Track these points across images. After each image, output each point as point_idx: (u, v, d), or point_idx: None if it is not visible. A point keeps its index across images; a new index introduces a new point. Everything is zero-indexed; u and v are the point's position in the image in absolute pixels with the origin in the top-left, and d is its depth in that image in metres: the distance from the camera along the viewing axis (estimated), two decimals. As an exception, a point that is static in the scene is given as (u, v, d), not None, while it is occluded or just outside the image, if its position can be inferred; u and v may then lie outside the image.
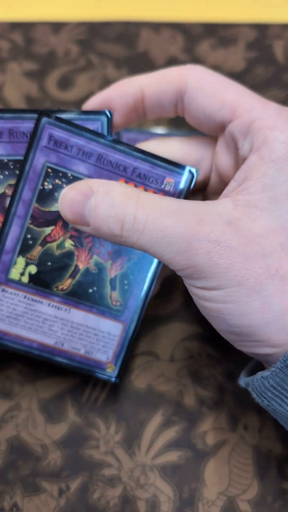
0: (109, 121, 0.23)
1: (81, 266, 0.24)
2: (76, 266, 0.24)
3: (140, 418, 0.28)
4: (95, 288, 0.24)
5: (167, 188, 0.23)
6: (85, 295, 0.24)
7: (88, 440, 0.27)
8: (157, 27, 0.42)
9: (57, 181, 0.23)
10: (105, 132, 0.23)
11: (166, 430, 0.27)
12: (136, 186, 0.23)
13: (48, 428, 0.27)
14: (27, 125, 0.22)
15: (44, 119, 0.22)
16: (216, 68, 0.40)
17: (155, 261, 0.25)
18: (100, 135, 0.22)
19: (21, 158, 0.23)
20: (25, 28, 0.42)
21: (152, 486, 0.26)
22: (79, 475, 0.26)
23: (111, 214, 0.20)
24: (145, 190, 0.23)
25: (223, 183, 0.24)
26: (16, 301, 0.24)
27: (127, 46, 0.41)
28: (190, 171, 0.23)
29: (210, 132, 0.23)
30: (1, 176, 0.23)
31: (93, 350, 0.25)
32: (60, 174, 0.23)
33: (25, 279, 0.24)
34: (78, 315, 0.24)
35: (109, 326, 0.25)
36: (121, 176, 0.23)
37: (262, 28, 0.42)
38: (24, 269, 0.24)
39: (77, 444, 0.27)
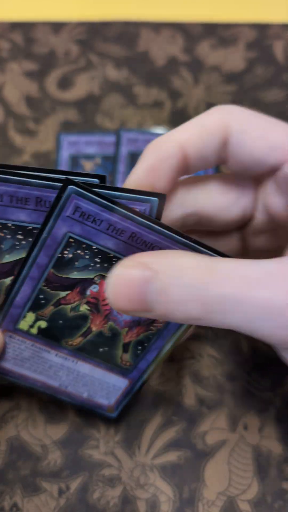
0: (161, 203, 0.20)
1: (95, 329, 0.23)
2: (89, 328, 0.23)
3: (140, 418, 0.28)
4: (106, 348, 0.23)
5: None
6: (94, 352, 0.23)
7: (88, 440, 0.27)
8: (157, 27, 0.42)
9: (79, 251, 0.20)
10: (153, 215, 0.20)
11: (166, 430, 0.27)
12: None
13: (48, 428, 0.27)
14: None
15: (70, 188, 0.19)
16: (216, 68, 0.40)
17: (178, 332, 0.22)
18: (136, 212, 0.19)
19: None
20: (25, 28, 0.42)
21: (152, 486, 0.26)
22: (79, 475, 0.26)
23: (189, 298, 0.16)
24: None
25: (274, 223, 0.23)
26: (23, 347, 0.23)
27: (127, 46, 0.41)
28: (157, 195, 0.21)
29: (258, 175, 0.22)
30: (24, 242, 0.21)
31: (95, 395, 0.25)
32: (84, 246, 0.20)
33: (34, 331, 0.23)
34: (85, 367, 0.24)
35: (115, 380, 0.24)
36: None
37: (262, 28, 0.42)
38: (34, 323, 0.23)
39: (77, 444, 0.27)
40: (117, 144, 0.36)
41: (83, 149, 0.36)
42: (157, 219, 0.20)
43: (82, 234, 0.20)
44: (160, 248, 0.20)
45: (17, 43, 0.41)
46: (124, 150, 0.36)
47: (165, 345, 0.23)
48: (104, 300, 0.22)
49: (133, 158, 0.36)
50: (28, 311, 0.22)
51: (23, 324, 0.23)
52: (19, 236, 0.21)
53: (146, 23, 0.42)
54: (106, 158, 0.36)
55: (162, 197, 0.20)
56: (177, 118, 0.38)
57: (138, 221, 0.19)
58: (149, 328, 0.23)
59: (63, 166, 0.35)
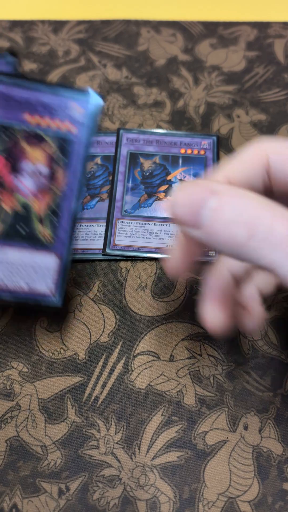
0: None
1: (8, 208, 0.24)
2: (3, 209, 0.24)
3: (140, 418, 0.27)
4: (24, 227, 0.25)
5: (76, 116, 0.23)
6: (16, 234, 0.25)
7: (88, 441, 0.27)
8: (157, 26, 0.42)
9: None
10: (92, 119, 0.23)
11: (166, 430, 0.27)
12: (42, 117, 0.23)
13: (48, 429, 0.27)
14: None
15: None
16: (216, 67, 0.40)
17: (78, 187, 0.25)
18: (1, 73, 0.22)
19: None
20: (25, 27, 0.42)
21: (152, 487, 0.26)
22: (79, 475, 0.26)
23: (239, 220, 0.17)
24: (52, 119, 0.23)
25: None
26: None
27: (127, 45, 0.41)
28: (94, 93, 0.23)
29: None
30: None
31: (33, 282, 0.25)
32: None
33: None
34: (13, 253, 0.25)
35: (44, 259, 0.25)
36: (26, 110, 0.23)
37: (262, 27, 0.42)
38: None
39: (77, 445, 0.27)
40: (117, 144, 0.36)
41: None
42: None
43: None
44: (33, 104, 0.23)
45: (17, 42, 0.41)
46: (124, 150, 0.36)
47: (73, 205, 0.25)
48: (4, 175, 0.23)
49: (133, 158, 0.36)
50: None
51: None
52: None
53: (146, 23, 0.42)
54: (106, 158, 0.35)
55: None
56: (177, 118, 0.38)
57: (3, 80, 0.22)
58: (53, 192, 0.24)
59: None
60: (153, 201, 0.34)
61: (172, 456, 0.27)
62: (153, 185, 0.35)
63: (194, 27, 0.42)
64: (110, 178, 0.35)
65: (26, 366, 0.29)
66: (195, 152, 0.36)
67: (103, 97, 0.22)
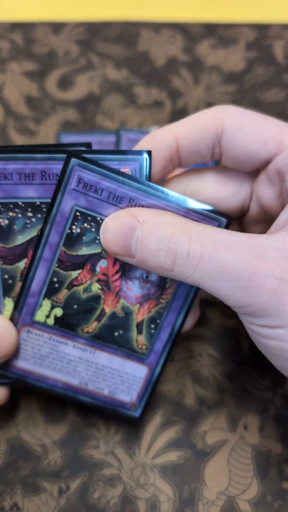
0: (148, 162, 0.22)
1: (108, 310, 0.24)
2: (103, 309, 0.23)
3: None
4: (120, 332, 0.24)
5: None
6: (110, 338, 0.24)
7: (88, 440, 0.27)
8: (157, 27, 0.42)
9: (85, 225, 0.22)
10: (144, 174, 0.22)
11: (166, 430, 0.27)
12: None
13: (48, 428, 0.27)
14: (60, 167, 0.21)
15: (73, 161, 0.21)
16: (216, 68, 0.40)
17: (186, 304, 0.24)
18: (133, 178, 0.21)
19: None
20: (25, 28, 0.42)
21: (152, 486, 0.26)
22: (79, 475, 0.26)
23: (162, 248, 0.19)
24: None
25: (266, 214, 0.24)
26: (41, 342, 0.24)
27: (127, 46, 0.41)
28: (144, 153, 0.22)
29: (251, 169, 0.23)
30: (34, 219, 0.22)
31: (116, 390, 0.25)
32: (89, 218, 0.22)
33: (50, 321, 0.23)
34: (103, 357, 0.24)
35: (134, 369, 0.24)
36: None
37: (262, 28, 0.42)
38: (50, 311, 0.23)
39: (77, 444, 0.27)
40: (117, 144, 0.36)
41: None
42: (148, 176, 0.22)
43: (87, 206, 0.21)
44: None
45: (17, 43, 0.41)
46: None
47: (177, 319, 0.24)
48: (113, 275, 0.23)
49: None
50: (43, 299, 0.23)
51: (40, 315, 0.23)
52: (29, 214, 0.22)
53: (146, 23, 0.42)
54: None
55: (149, 153, 0.22)
56: (177, 118, 0.38)
57: (135, 186, 0.21)
58: (159, 302, 0.23)
59: None
60: None
61: (172, 456, 0.27)
62: None
63: (194, 28, 0.42)
64: None
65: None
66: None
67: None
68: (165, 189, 0.21)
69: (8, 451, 0.27)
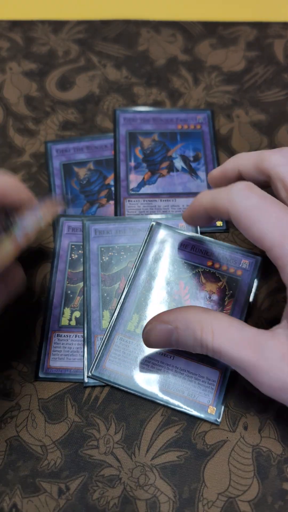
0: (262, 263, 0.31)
1: None
2: None
3: (140, 418, 0.27)
4: None
5: (243, 266, 0.31)
6: None
7: (88, 440, 0.27)
8: (157, 26, 0.42)
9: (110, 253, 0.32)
10: (257, 271, 0.31)
11: (166, 430, 0.27)
12: (220, 266, 0.31)
13: (48, 428, 0.27)
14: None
15: (156, 225, 0.32)
16: (216, 67, 0.40)
17: (242, 318, 0.30)
18: (193, 235, 0.31)
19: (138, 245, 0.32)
20: (25, 27, 0.42)
21: (152, 486, 0.26)
22: (79, 475, 0.26)
23: (196, 345, 0.24)
24: (227, 268, 0.31)
25: None
26: (131, 348, 0.29)
27: (127, 46, 0.41)
28: (257, 256, 0.31)
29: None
30: (125, 256, 0.31)
31: (195, 393, 0.28)
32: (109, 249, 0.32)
33: (138, 330, 0.29)
34: (181, 362, 0.28)
35: (208, 372, 0.28)
36: (209, 259, 0.31)
37: (262, 27, 0.42)
38: (138, 323, 0.30)
39: (77, 444, 0.27)
40: (115, 124, 0.36)
41: (73, 156, 0.36)
42: (258, 278, 0.31)
43: (185, 257, 0.31)
44: (212, 253, 0.31)
45: (17, 42, 0.41)
46: (123, 130, 0.36)
47: None
48: (185, 296, 0.30)
49: (132, 137, 0.36)
50: (133, 313, 0.30)
51: (130, 325, 0.29)
52: (122, 252, 0.32)
53: (146, 23, 0.42)
54: (98, 163, 0.35)
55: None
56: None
57: (196, 237, 0.32)
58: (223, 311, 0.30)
59: (56, 175, 0.35)
60: (157, 178, 0.35)
61: (171, 456, 0.27)
62: (155, 162, 0.35)
63: (193, 27, 0.42)
64: (106, 182, 0.35)
65: (26, 366, 0.29)
66: (192, 127, 0.37)
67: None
68: (216, 241, 0.32)
69: (7, 451, 0.27)
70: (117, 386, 0.28)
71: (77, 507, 0.25)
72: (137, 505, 0.25)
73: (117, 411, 0.28)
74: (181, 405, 0.27)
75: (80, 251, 0.32)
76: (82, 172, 0.35)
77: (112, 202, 0.34)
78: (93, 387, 0.28)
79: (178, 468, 0.26)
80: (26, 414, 0.28)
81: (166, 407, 0.27)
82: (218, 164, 0.36)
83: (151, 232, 0.31)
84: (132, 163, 0.35)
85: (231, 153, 0.36)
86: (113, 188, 0.34)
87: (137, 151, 0.36)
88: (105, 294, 0.30)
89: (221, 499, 0.26)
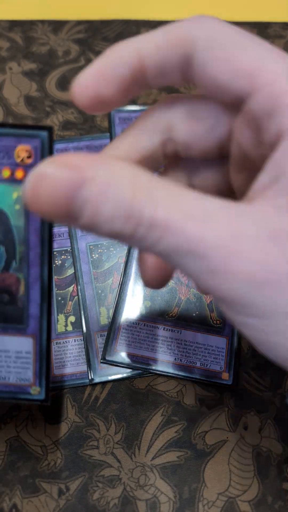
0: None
1: (183, 298, 0.30)
2: (180, 298, 0.30)
3: (140, 418, 0.27)
4: (197, 312, 0.30)
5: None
6: (190, 318, 0.30)
7: (88, 441, 0.27)
8: (156, 26, 0.42)
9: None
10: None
11: (166, 430, 0.27)
12: None
13: (47, 429, 0.27)
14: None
15: None
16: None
17: None
18: None
19: None
20: (25, 27, 0.42)
21: (152, 486, 0.26)
22: (79, 475, 0.26)
23: (119, 214, 0.15)
24: None
25: (248, 160, 0.20)
26: (138, 329, 0.29)
27: (126, 46, 0.41)
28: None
29: (227, 104, 0.18)
30: (115, 251, 0.32)
31: (206, 362, 0.28)
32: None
33: (143, 311, 0.30)
34: (188, 334, 0.29)
35: (216, 341, 0.29)
36: None
37: (262, 28, 0.42)
38: (143, 304, 0.30)
39: (77, 445, 0.27)
40: (110, 124, 0.36)
41: None
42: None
43: None
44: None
45: (17, 42, 0.41)
46: (119, 129, 0.36)
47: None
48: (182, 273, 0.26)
49: None
50: (133, 297, 0.29)
51: (135, 309, 0.30)
52: (111, 248, 0.31)
53: (146, 22, 0.42)
54: None
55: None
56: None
57: None
58: None
59: None
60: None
61: (172, 456, 0.27)
62: None
63: (193, 27, 0.42)
64: None
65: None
66: None
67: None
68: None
69: (7, 451, 0.27)
70: (131, 367, 0.28)
71: (77, 507, 0.25)
72: (137, 505, 0.25)
73: (117, 411, 0.28)
74: (195, 376, 0.28)
75: (63, 256, 0.32)
76: None
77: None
78: (94, 386, 0.28)
79: (178, 468, 0.26)
80: (26, 414, 0.27)
81: (182, 379, 0.28)
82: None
83: None
84: None
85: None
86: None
87: None
88: (100, 291, 0.31)
89: (221, 499, 0.26)
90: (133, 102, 0.38)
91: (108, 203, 0.15)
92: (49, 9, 0.43)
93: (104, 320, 0.30)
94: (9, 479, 0.26)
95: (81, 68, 0.40)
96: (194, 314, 0.30)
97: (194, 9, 0.43)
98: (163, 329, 0.29)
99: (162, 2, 0.44)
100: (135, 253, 0.31)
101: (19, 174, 0.18)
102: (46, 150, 0.19)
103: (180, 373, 0.28)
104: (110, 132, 0.36)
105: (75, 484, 0.26)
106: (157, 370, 0.28)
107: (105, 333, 0.29)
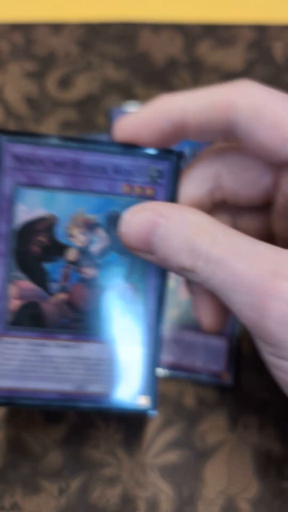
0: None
1: (182, 298, 0.30)
2: (178, 297, 0.30)
3: (140, 417, 0.28)
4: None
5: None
6: (189, 318, 0.29)
7: (88, 440, 0.27)
8: (156, 27, 0.42)
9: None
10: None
11: (166, 430, 0.27)
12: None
13: (48, 427, 0.27)
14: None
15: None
16: (216, 69, 0.40)
17: None
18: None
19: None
20: (25, 29, 0.42)
21: (152, 485, 0.26)
22: (79, 474, 0.26)
23: (184, 248, 0.17)
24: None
25: None
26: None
27: (127, 47, 0.41)
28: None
29: (273, 165, 0.20)
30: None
31: (206, 362, 0.27)
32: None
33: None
34: (188, 334, 0.28)
35: (215, 341, 0.28)
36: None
37: (261, 29, 0.42)
38: None
39: (77, 443, 0.27)
40: (110, 124, 0.36)
41: None
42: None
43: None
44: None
45: (18, 44, 0.41)
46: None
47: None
48: None
49: None
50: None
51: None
52: None
53: (146, 24, 0.42)
54: None
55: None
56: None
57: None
58: None
59: None
60: None
61: (171, 455, 0.27)
62: None
63: (193, 28, 0.42)
64: None
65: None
66: None
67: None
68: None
69: (8, 450, 0.27)
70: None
71: (78, 506, 0.26)
72: (137, 503, 0.26)
73: (117, 411, 0.28)
74: (194, 376, 0.28)
75: None
76: None
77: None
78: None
79: (178, 468, 0.26)
80: (26, 413, 0.28)
81: (180, 380, 0.28)
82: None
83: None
84: None
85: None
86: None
87: None
88: None
89: (220, 498, 0.26)
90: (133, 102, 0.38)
91: (176, 238, 0.18)
92: (50, 12, 0.44)
93: None
94: (10, 478, 0.26)
95: (81, 69, 0.40)
96: (194, 315, 0.30)
97: (194, 9, 0.44)
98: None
99: (162, 3, 0.44)
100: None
101: (148, 191, 0.21)
102: (175, 172, 0.21)
103: (177, 372, 0.28)
104: (110, 132, 0.37)
105: (76, 482, 0.26)
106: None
107: None
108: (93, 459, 0.27)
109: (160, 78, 0.40)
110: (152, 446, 0.27)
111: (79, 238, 0.21)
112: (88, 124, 0.37)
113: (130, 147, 0.20)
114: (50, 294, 0.21)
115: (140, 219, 0.18)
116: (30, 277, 0.21)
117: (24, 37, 0.42)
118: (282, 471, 0.26)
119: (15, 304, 0.21)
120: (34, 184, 0.20)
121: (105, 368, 0.22)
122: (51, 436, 0.27)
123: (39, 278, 0.21)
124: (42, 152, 0.20)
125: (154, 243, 0.18)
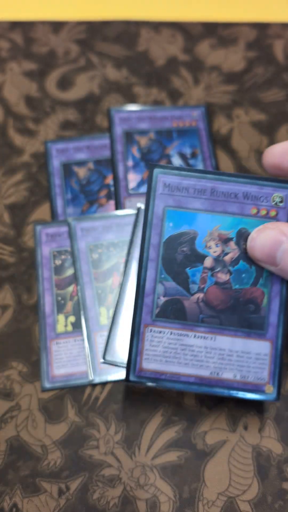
0: None
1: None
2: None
3: (140, 418, 0.28)
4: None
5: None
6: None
7: (88, 441, 0.27)
8: (157, 26, 0.42)
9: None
10: None
11: (166, 430, 0.27)
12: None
13: (48, 429, 0.27)
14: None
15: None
16: (216, 68, 0.40)
17: None
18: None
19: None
20: (25, 27, 0.42)
21: (152, 486, 0.26)
22: (79, 475, 0.26)
23: None
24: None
25: None
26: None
27: (127, 46, 0.41)
28: None
29: None
30: (115, 251, 0.31)
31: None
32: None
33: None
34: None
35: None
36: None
37: (262, 28, 0.42)
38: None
39: (77, 445, 0.27)
40: (110, 124, 0.36)
41: (73, 156, 0.36)
42: None
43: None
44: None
45: (17, 43, 0.41)
46: (119, 129, 0.36)
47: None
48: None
49: (128, 136, 0.36)
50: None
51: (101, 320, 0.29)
52: (111, 248, 0.31)
53: (146, 23, 0.42)
54: (98, 162, 0.35)
55: None
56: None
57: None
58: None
59: (56, 175, 0.35)
60: None
61: (172, 456, 0.27)
62: (153, 160, 0.35)
63: (193, 27, 0.42)
64: (105, 182, 0.35)
65: (26, 366, 0.29)
66: (187, 123, 0.37)
67: None
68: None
69: (7, 451, 0.27)
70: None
71: (77, 507, 0.25)
72: (137, 505, 0.25)
73: (117, 411, 0.28)
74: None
75: (63, 256, 0.32)
76: (82, 172, 0.35)
77: (112, 201, 0.34)
78: (94, 386, 0.28)
79: (178, 468, 0.26)
80: (26, 414, 0.28)
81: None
82: (216, 161, 0.36)
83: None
84: (130, 163, 0.35)
85: (231, 153, 0.36)
86: (113, 188, 0.34)
87: (134, 150, 0.36)
88: (100, 291, 0.31)
89: (221, 499, 0.26)
90: (133, 101, 0.38)
91: None
92: (49, 10, 0.43)
93: (104, 320, 0.30)
94: (10, 479, 0.26)
95: (81, 68, 0.40)
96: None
97: (194, 9, 0.44)
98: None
99: (162, 2, 0.44)
100: (135, 253, 0.31)
101: (272, 213, 0.25)
102: None
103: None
104: (110, 132, 0.36)
105: (75, 483, 0.26)
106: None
107: (105, 333, 0.29)
108: (93, 460, 0.27)
109: (160, 77, 0.39)
110: (152, 447, 0.27)
111: (214, 249, 0.25)
112: (88, 123, 0.37)
113: (256, 179, 0.25)
114: (190, 293, 0.25)
115: (265, 236, 0.23)
116: (174, 279, 0.25)
117: (23, 35, 0.42)
118: (283, 472, 0.26)
119: (162, 300, 0.25)
120: (180, 206, 0.25)
121: (237, 359, 0.25)
122: (51, 436, 0.27)
123: (182, 280, 0.25)
124: (186, 182, 0.25)
125: (278, 257, 0.23)
